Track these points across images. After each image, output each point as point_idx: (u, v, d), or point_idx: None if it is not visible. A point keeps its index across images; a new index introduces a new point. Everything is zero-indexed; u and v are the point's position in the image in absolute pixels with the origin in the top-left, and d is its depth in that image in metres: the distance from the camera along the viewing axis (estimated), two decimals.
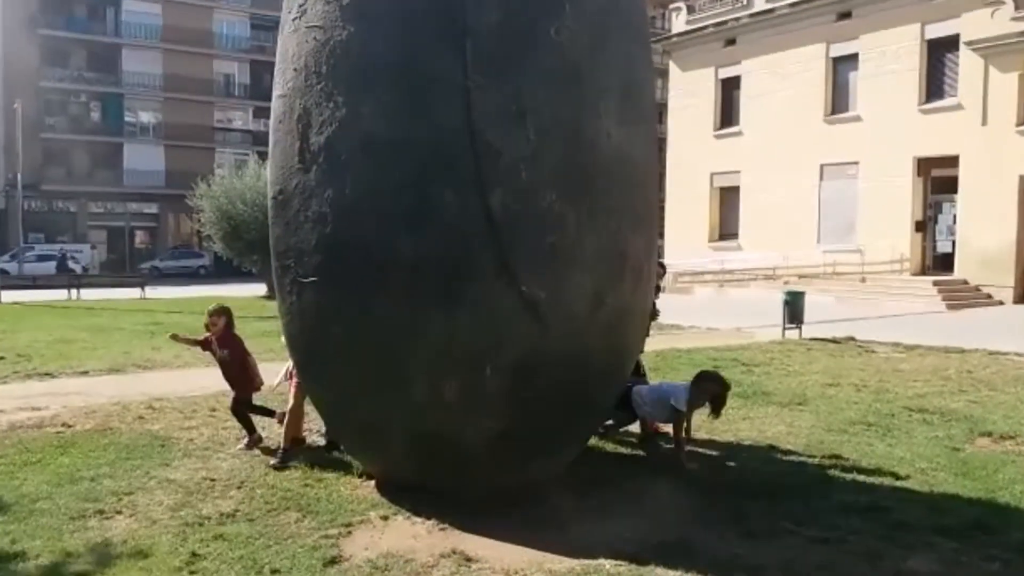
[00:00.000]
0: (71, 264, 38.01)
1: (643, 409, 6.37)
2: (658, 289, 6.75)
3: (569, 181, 4.84)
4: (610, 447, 6.54)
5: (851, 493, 5.40)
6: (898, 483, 5.68)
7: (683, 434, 6.20)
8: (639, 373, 6.87)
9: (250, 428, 6.64)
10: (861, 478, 5.79)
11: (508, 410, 4.86)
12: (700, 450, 6.51)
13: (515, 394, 4.83)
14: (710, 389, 6.11)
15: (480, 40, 4.66)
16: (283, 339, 5.58)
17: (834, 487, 5.55)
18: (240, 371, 6.72)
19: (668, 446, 6.46)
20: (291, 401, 6.36)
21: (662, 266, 6.92)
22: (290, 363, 6.24)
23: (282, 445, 6.16)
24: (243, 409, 6.70)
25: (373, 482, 5.48)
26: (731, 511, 5.01)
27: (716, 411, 6.16)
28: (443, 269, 4.68)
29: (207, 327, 6.73)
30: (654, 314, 6.81)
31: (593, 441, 6.33)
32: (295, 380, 6.26)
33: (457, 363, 4.77)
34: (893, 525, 4.80)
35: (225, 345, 6.68)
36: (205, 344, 6.76)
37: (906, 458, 6.25)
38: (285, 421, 6.31)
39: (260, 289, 25.33)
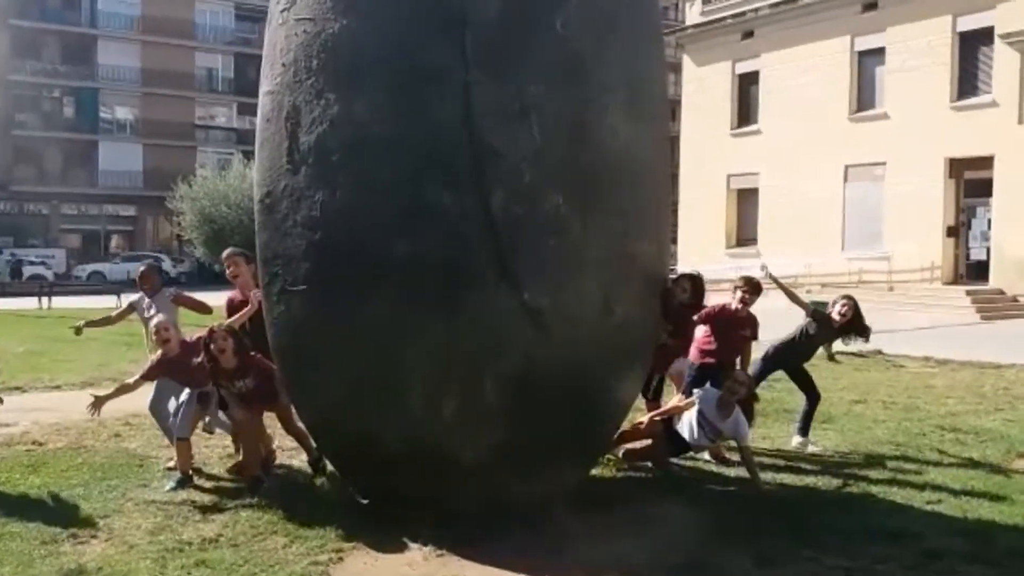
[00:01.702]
0: (43, 271, 37.96)
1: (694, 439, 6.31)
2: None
3: (574, 182, 4.87)
4: (616, 467, 6.54)
5: (878, 517, 5.40)
6: (929, 507, 5.67)
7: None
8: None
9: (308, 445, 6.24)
10: (889, 501, 5.79)
11: (508, 421, 4.88)
12: (716, 469, 6.53)
13: (515, 404, 4.85)
14: (736, 390, 6.04)
15: (480, 32, 4.70)
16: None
17: (859, 511, 5.55)
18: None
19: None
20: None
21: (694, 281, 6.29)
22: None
23: (253, 474, 5.96)
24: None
25: (365, 504, 5.49)
26: (747, 534, 5.01)
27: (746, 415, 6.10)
28: (440, 274, 4.70)
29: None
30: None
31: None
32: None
33: (455, 372, 4.80)
34: (923, 552, 4.79)
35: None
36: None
37: (938, 480, 6.25)
38: (241, 454, 6.04)
39: None
